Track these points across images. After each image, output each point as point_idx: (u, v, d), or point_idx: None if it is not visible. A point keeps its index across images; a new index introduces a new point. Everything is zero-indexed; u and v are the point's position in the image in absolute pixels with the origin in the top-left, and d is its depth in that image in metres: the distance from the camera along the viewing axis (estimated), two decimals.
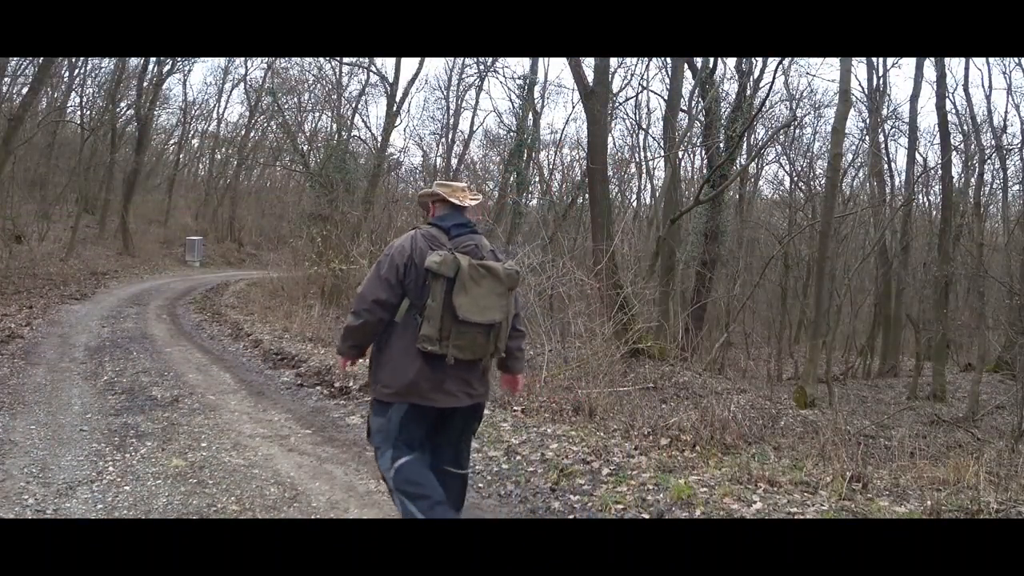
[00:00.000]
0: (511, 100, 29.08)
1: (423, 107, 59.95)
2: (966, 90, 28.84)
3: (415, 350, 2.71)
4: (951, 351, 18.54)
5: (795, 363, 16.78)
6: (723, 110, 17.00)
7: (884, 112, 20.23)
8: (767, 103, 17.29)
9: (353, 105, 24.16)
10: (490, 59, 23.06)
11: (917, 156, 20.06)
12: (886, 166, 21.04)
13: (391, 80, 22.50)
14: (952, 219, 16.74)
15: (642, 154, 25.03)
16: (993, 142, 19.70)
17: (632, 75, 22.13)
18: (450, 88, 26.43)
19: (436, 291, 2.67)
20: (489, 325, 2.74)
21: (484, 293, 2.72)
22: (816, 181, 20.66)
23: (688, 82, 18.13)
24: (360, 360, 3.11)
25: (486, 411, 4.56)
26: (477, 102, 36.56)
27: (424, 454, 2.84)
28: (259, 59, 26.43)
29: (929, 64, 17.25)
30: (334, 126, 22.77)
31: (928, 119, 45.93)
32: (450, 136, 26.46)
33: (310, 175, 19.65)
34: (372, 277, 2.80)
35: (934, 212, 21.57)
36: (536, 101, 23.57)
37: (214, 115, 31.95)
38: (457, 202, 2.90)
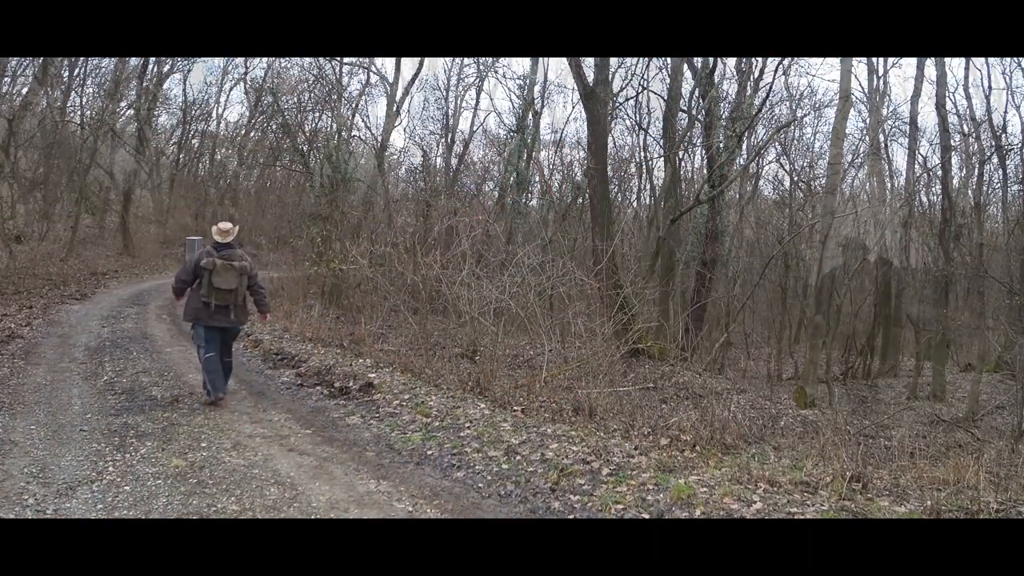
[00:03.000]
0: (511, 100, 29.07)
1: (423, 107, 59.39)
2: (966, 90, 28.58)
3: (201, 300, 5.86)
4: (951, 351, 18.52)
5: (795, 363, 16.77)
6: (723, 110, 16.99)
7: (884, 112, 20.21)
8: (767, 103, 17.29)
9: (353, 105, 24.14)
10: (490, 59, 23.03)
11: (917, 156, 20.05)
12: (886, 166, 21.04)
13: (391, 80, 22.46)
14: (952, 219, 16.72)
15: (642, 154, 24.94)
16: (993, 142, 19.68)
17: (632, 75, 21.97)
18: (450, 88, 26.38)
19: (206, 276, 5.83)
20: (229, 289, 5.88)
21: (229, 276, 5.87)
22: (816, 181, 20.65)
23: (688, 82, 18.12)
24: (182, 299, 6.36)
25: (486, 411, 6.07)
26: (477, 102, 36.57)
27: (218, 352, 5.92)
28: (259, 59, 26.41)
29: (929, 64, 17.25)
30: (334, 126, 22.72)
31: (928, 119, 45.91)
32: (450, 136, 26.38)
33: (310, 175, 19.62)
34: (182, 268, 6.32)
35: (934, 212, 21.55)
36: (536, 101, 23.47)
37: (214, 115, 31.93)
38: (220, 239, 6.00)
